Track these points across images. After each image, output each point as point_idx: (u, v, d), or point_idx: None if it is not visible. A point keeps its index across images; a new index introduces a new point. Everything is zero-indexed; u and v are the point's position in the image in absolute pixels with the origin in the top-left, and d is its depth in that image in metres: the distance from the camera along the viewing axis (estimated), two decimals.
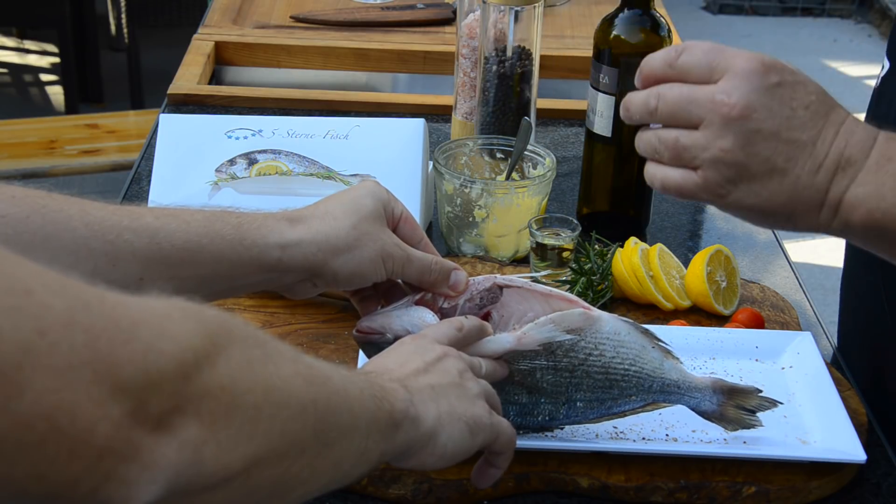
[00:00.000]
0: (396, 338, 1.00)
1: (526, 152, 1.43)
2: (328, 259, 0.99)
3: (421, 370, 0.90)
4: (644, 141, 0.94)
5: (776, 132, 0.89)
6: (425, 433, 0.85)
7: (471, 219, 1.40)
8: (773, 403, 1.06)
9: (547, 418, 1.05)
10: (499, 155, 1.47)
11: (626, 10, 1.42)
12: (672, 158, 0.92)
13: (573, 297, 1.06)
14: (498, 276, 1.08)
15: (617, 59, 1.41)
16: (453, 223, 1.41)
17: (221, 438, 0.62)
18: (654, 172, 0.94)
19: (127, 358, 0.56)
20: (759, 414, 1.07)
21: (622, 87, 1.41)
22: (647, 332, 1.06)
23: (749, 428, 1.06)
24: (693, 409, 1.07)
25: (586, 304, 1.05)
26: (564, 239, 1.31)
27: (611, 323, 1.04)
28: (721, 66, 0.90)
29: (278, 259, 0.97)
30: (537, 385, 1.02)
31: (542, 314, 1.03)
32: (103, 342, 0.55)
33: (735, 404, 1.06)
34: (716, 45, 0.92)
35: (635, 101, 0.94)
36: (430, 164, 1.47)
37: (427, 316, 1.03)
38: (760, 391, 1.07)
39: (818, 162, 0.89)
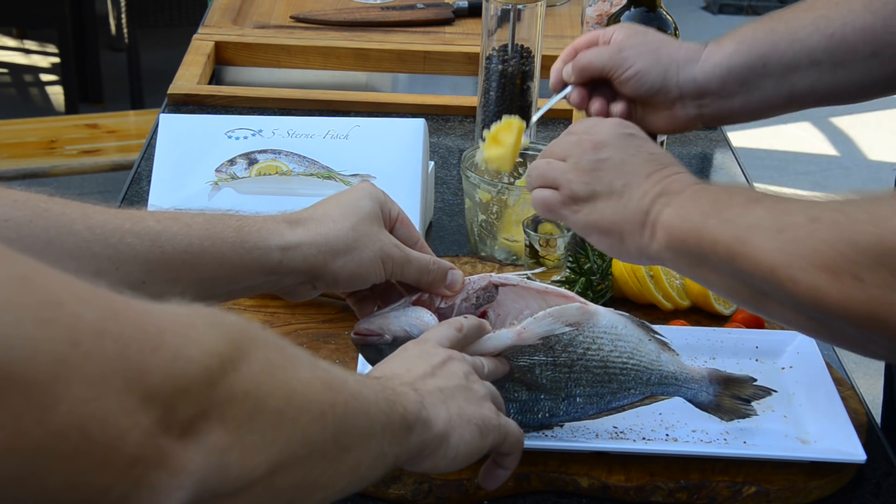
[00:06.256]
0: (395, 338, 1.00)
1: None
2: (328, 261, 1.00)
3: (428, 374, 0.90)
4: (529, 174, 1.14)
5: (620, 163, 1.05)
6: (437, 435, 0.86)
7: (507, 224, 1.38)
8: (767, 392, 1.08)
9: (547, 415, 1.05)
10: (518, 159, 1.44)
11: (632, 9, 1.40)
12: (538, 178, 1.09)
13: (569, 292, 1.07)
14: (493, 274, 1.09)
15: None
16: (487, 230, 1.39)
17: (246, 443, 0.62)
18: (532, 193, 1.11)
19: (155, 365, 0.56)
20: (757, 410, 1.08)
21: None
22: (643, 325, 1.07)
23: (744, 417, 1.08)
24: (690, 401, 1.08)
25: (582, 300, 1.05)
26: (560, 238, 1.30)
27: (608, 317, 1.04)
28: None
29: (279, 261, 0.98)
30: (537, 381, 1.03)
31: (539, 311, 1.03)
32: (133, 351, 0.55)
33: (731, 394, 1.08)
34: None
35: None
36: (431, 164, 1.47)
37: (425, 316, 1.03)
38: (755, 380, 1.08)
39: (645, 190, 1.02)
